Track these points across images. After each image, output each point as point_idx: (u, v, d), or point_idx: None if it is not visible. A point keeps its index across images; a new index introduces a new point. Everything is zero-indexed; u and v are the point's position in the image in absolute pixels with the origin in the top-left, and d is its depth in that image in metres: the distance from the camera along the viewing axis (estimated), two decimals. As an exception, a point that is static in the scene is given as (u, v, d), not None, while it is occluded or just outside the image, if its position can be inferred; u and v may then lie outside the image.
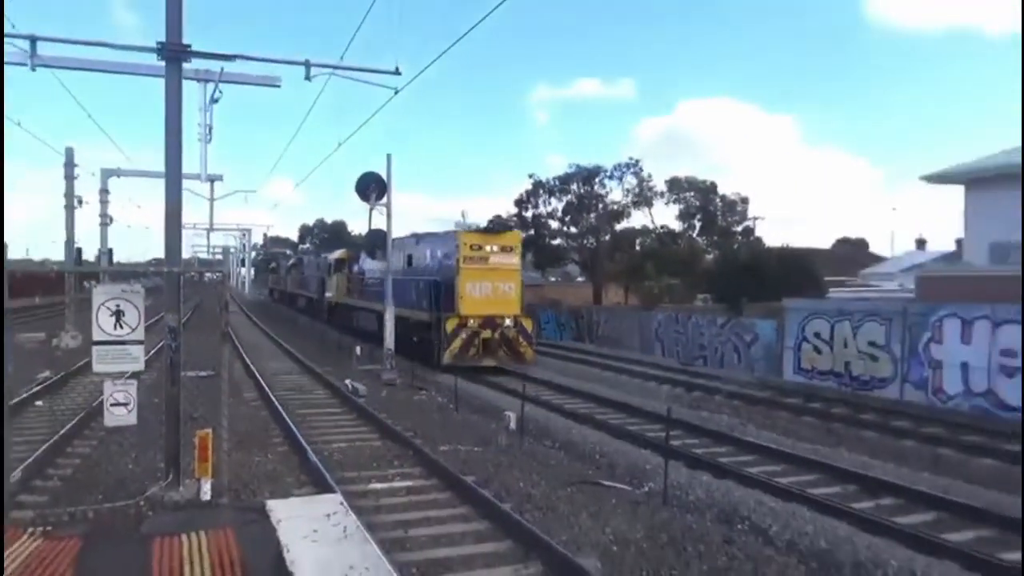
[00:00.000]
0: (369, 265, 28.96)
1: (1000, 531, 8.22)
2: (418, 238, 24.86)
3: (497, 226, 24.24)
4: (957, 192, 24.35)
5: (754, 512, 8.29)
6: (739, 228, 50.28)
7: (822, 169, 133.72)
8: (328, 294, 36.97)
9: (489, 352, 20.55)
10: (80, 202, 26.73)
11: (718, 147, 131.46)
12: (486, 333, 20.55)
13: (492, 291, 20.80)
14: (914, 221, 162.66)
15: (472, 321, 20.38)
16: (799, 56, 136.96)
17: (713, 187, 49.82)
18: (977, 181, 23.12)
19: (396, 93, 13.51)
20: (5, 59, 8.85)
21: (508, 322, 20.72)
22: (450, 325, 20.18)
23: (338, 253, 37.12)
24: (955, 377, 16.98)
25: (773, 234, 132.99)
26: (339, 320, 34.23)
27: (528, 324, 21.31)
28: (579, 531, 7.82)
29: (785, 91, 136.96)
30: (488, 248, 20.84)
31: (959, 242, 28.58)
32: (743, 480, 9.73)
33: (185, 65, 8.87)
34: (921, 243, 50.20)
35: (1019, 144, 24.10)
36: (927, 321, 17.75)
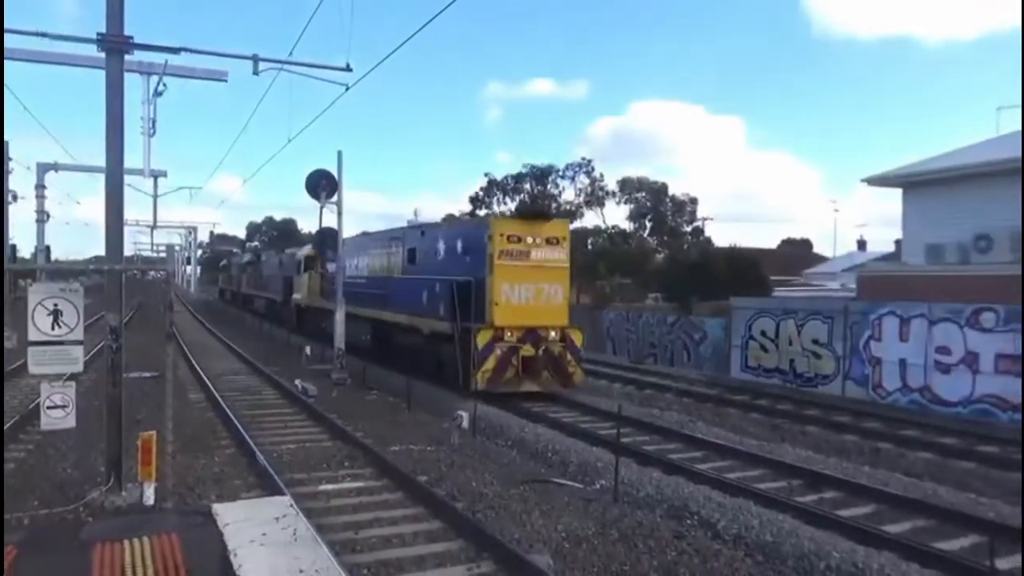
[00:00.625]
0: (347, 262, 25.00)
1: (937, 522, 8.53)
2: (425, 229, 20.33)
3: (541, 212, 18.36)
4: (896, 194, 25.19)
5: (703, 507, 8.43)
6: (689, 228, 51.23)
7: (768, 171, 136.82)
8: (296, 296, 31.71)
9: (531, 374, 15.67)
10: (15, 197, 25.77)
11: (668, 148, 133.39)
12: (527, 349, 15.63)
13: (535, 295, 15.88)
14: (856, 223, 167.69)
15: (509, 334, 15.55)
16: (744, 61, 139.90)
17: (664, 188, 50.64)
18: (914, 184, 23.94)
19: (347, 90, 13.37)
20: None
21: (554, 335, 15.92)
22: (482, 339, 15.29)
23: (308, 249, 31.11)
24: (893, 373, 17.57)
25: (721, 234, 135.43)
26: (311, 327, 28.51)
27: (578, 337, 16.37)
28: (531, 529, 7.84)
29: (731, 94, 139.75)
30: (530, 240, 15.91)
31: (898, 243, 29.57)
32: (692, 476, 9.90)
33: (127, 57, 8.63)
34: (862, 244, 51.84)
35: (948, 150, 25.09)
36: (867, 319, 18.33)
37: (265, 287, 41.40)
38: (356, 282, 23.62)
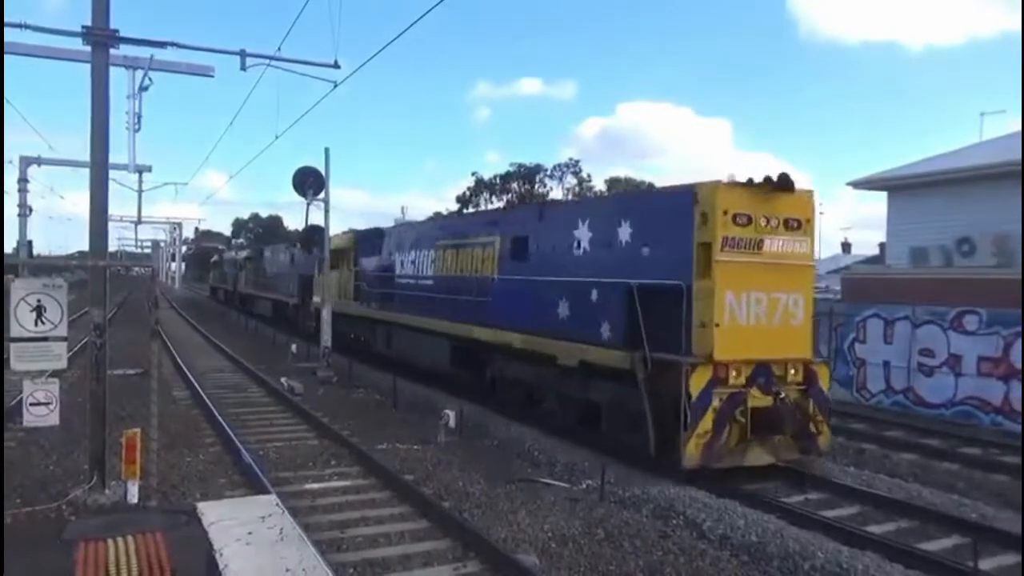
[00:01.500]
0: (397, 257, 19.68)
1: (920, 523, 8.59)
2: (546, 209, 14.59)
3: (783, 179, 10.37)
4: (881, 197, 25.38)
5: (689, 508, 8.46)
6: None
7: (755, 173, 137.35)
8: (320, 299, 23.76)
9: (762, 437, 9.85)
10: (-3, 191, 25.40)
11: (656, 149, 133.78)
12: (758, 397, 9.88)
13: (767, 311, 10.10)
14: (841, 225, 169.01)
15: (735, 373, 9.74)
16: (733, 63, 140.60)
17: (651, 188, 50.81)
18: (898, 188, 24.13)
19: (335, 87, 13.31)
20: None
21: (793, 373, 10.18)
22: (697, 381, 9.45)
23: (339, 239, 24.43)
24: (878, 375, 17.71)
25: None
26: (344, 340, 22.14)
27: (824, 376, 10.53)
28: (518, 528, 7.84)
29: (719, 96, 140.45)
30: (763, 222, 10.00)
31: (882, 246, 29.79)
32: (678, 476, 9.89)
33: (113, 51, 8.54)
34: (847, 246, 52.20)
35: (932, 155, 25.32)
36: (852, 321, 18.45)
37: (271, 287, 35.43)
38: (404, 282, 18.92)
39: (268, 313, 35.54)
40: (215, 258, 64.70)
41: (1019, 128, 20.49)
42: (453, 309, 15.68)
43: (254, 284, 40.41)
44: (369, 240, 22.24)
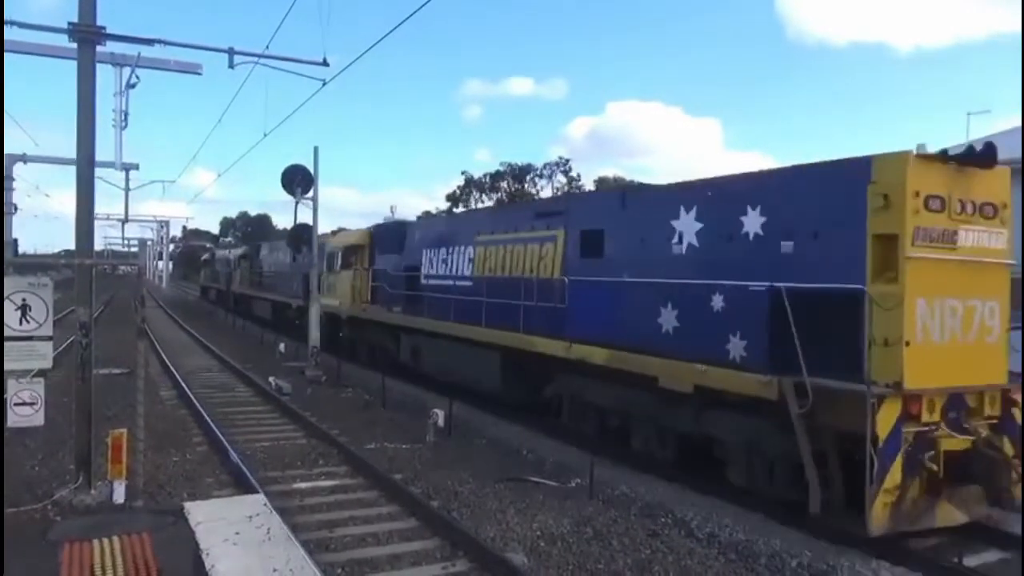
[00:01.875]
0: (425, 254, 17.22)
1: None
2: (629, 196, 11.73)
3: (984, 153, 7.96)
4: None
5: (677, 506, 8.48)
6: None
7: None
8: (331, 302, 22.03)
9: (954, 490, 7.66)
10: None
11: (646, 148, 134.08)
12: (950, 439, 7.61)
13: (962, 322, 7.98)
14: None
15: (928, 406, 7.57)
16: (722, 63, 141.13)
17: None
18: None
19: (324, 84, 13.30)
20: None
21: (989, 402, 8.06)
22: (885, 419, 7.20)
23: (351, 237, 22.71)
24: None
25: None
26: (358, 349, 20.78)
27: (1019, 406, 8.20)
28: (506, 527, 7.85)
29: (709, 96, 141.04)
30: (959, 208, 7.90)
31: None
32: (666, 474, 9.92)
33: (100, 48, 8.49)
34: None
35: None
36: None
37: (270, 287, 32.70)
38: (435, 284, 16.31)
39: (267, 315, 32.19)
40: (205, 256, 61.59)
41: (1013, 127, 20.50)
42: (503, 315, 12.98)
43: (250, 284, 37.67)
44: (388, 236, 19.75)
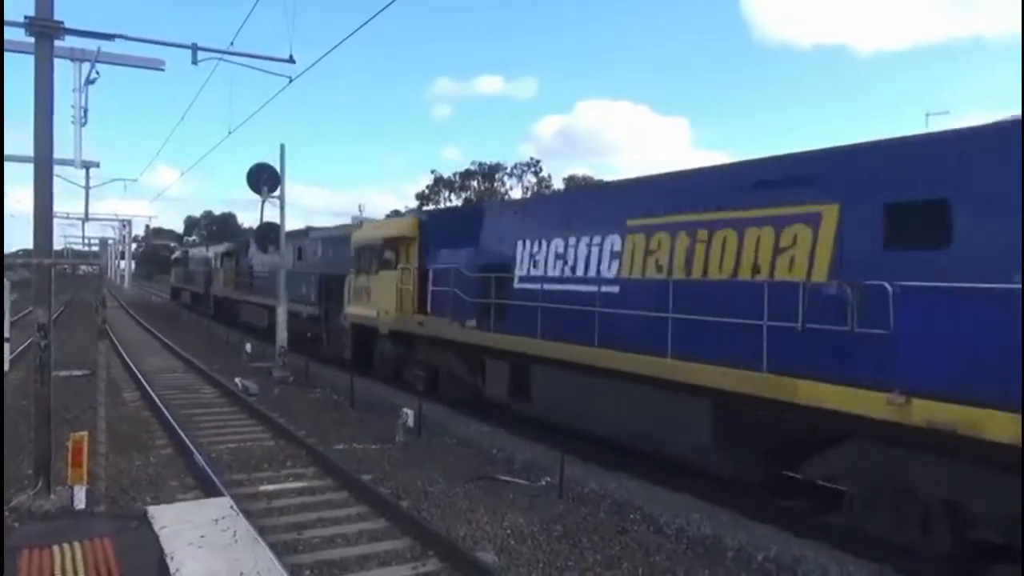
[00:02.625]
0: (522, 249, 12.37)
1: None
2: (982, 135, 6.80)
3: None
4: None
5: (646, 503, 8.55)
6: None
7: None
8: (360, 311, 17.33)
9: None
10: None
11: (614, 147, 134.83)
12: None
13: None
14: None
15: None
16: (690, 63, 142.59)
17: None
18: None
19: (290, 82, 13.17)
20: None
21: None
22: None
23: (390, 225, 18.02)
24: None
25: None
26: (420, 374, 15.27)
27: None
28: (477, 526, 7.85)
29: (677, 95, 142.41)
30: None
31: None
32: (635, 472, 9.99)
33: (58, 43, 8.30)
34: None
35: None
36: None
37: (264, 290, 26.98)
38: (547, 291, 11.46)
39: (261, 323, 26.52)
40: (177, 254, 55.81)
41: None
42: (712, 342, 8.45)
43: (236, 286, 32.03)
44: (450, 224, 14.99)
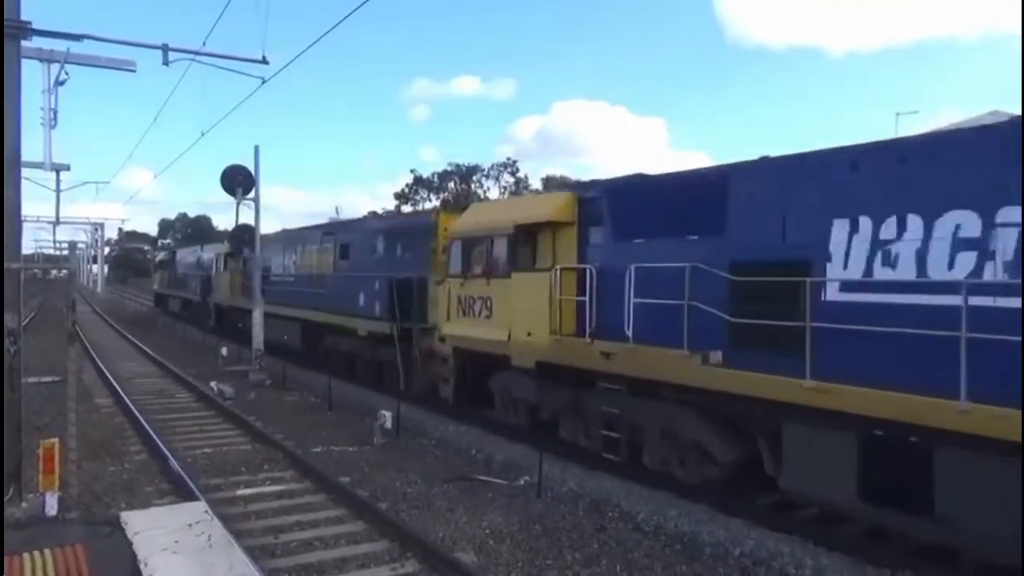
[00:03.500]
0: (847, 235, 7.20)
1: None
2: None
3: None
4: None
5: (624, 500, 8.59)
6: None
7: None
8: (482, 334, 12.14)
9: None
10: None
11: (591, 147, 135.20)
12: None
13: None
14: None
15: None
16: (666, 64, 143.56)
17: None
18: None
19: (264, 83, 13.08)
20: None
21: None
22: None
23: (530, 204, 12.52)
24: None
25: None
26: (594, 431, 10.26)
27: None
28: (455, 527, 7.84)
29: (653, 96, 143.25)
30: None
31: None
32: (613, 469, 10.03)
33: (25, 43, 8.17)
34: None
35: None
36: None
37: (285, 299, 22.12)
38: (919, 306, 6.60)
39: (292, 341, 21.41)
40: (162, 256, 50.33)
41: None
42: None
43: (243, 292, 25.55)
44: (646, 199, 9.86)
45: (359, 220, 23.18)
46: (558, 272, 10.43)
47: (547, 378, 10.91)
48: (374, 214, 43.15)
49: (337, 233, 20.11)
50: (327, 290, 19.21)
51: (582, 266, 10.25)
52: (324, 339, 19.53)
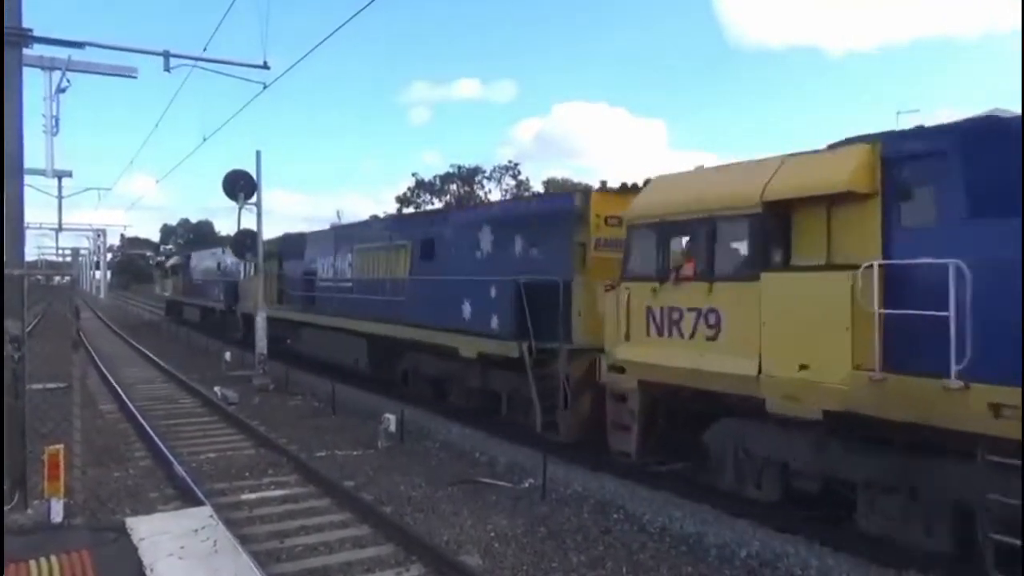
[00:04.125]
0: None
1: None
2: None
3: None
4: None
5: (628, 502, 8.58)
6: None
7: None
8: (706, 368, 8.22)
9: None
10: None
11: (592, 149, 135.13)
12: None
13: None
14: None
15: None
16: (666, 65, 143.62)
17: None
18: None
19: (265, 88, 13.09)
20: None
21: None
22: None
23: (782, 176, 7.65)
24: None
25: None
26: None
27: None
28: (460, 530, 7.84)
29: (653, 97, 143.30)
30: None
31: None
32: (617, 471, 10.01)
33: (27, 51, 8.19)
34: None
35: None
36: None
37: (340, 309, 18.63)
38: None
39: (361, 358, 17.52)
40: (174, 260, 45.66)
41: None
42: None
43: (287, 301, 23.04)
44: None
45: (444, 210, 20.12)
46: (876, 270, 6.63)
47: (842, 436, 7.32)
48: (375, 217, 43.00)
49: (413, 227, 16.61)
50: (405, 297, 15.38)
51: (937, 261, 6.24)
52: (402, 358, 15.96)
